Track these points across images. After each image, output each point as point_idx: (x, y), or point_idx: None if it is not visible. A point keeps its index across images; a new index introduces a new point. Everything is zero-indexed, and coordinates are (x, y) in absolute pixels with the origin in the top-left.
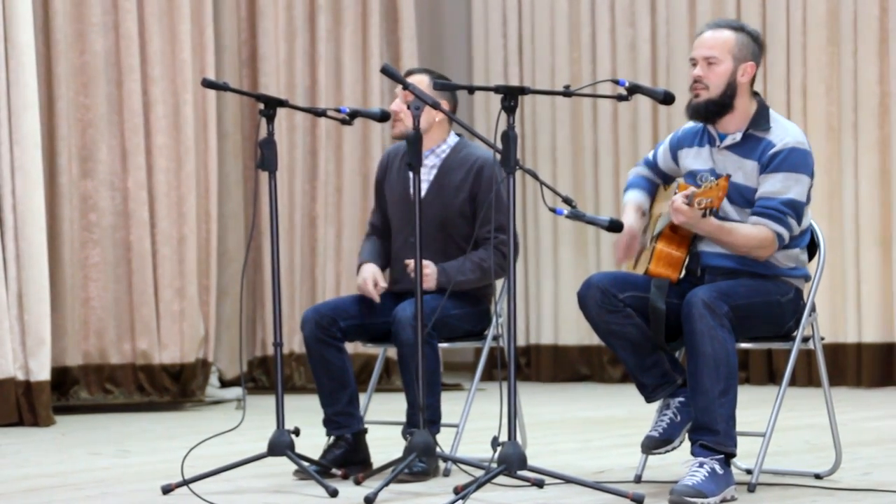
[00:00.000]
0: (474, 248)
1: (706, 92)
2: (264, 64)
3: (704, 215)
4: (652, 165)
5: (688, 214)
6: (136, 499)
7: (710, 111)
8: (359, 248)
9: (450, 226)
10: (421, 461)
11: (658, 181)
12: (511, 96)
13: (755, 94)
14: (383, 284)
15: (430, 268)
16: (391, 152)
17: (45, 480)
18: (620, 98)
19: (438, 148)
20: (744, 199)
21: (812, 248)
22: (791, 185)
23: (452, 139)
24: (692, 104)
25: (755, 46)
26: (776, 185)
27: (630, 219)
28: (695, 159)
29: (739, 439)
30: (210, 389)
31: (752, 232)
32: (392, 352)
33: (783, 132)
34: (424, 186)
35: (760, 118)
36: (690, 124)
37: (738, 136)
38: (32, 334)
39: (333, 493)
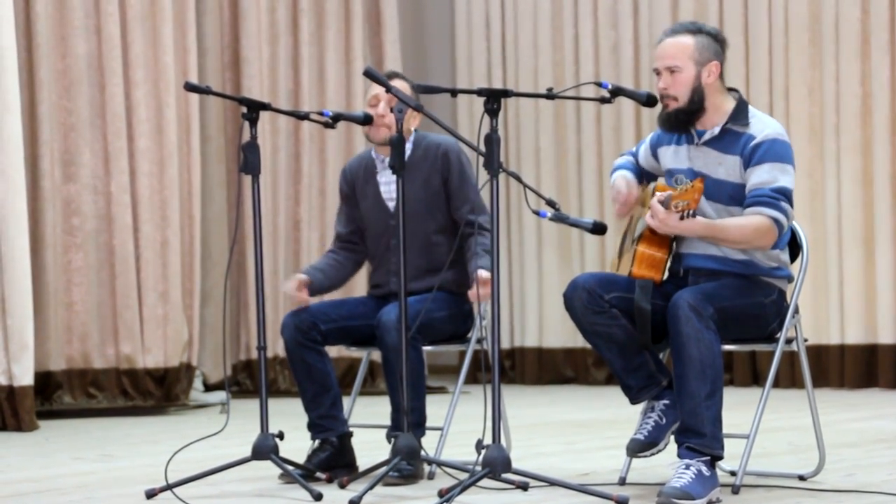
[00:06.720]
0: (455, 228)
1: (675, 103)
2: (247, 67)
3: (682, 217)
4: (635, 159)
5: (662, 218)
6: (119, 503)
7: (681, 120)
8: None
9: (430, 218)
10: (409, 463)
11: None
12: (494, 99)
13: (731, 90)
14: (306, 297)
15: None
16: (351, 167)
17: (28, 486)
18: (603, 100)
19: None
20: (725, 195)
21: (794, 250)
22: (778, 175)
23: (411, 135)
24: (663, 115)
25: (716, 45)
26: (764, 176)
27: (620, 179)
28: (673, 157)
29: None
30: (194, 393)
31: (745, 222)
32: (376, 355)
33: (762, 125)
34: (395, 188)
35: (740, 113)
36: None
37: (717, 131)
38: (15, 339)
39: (318, 497)
